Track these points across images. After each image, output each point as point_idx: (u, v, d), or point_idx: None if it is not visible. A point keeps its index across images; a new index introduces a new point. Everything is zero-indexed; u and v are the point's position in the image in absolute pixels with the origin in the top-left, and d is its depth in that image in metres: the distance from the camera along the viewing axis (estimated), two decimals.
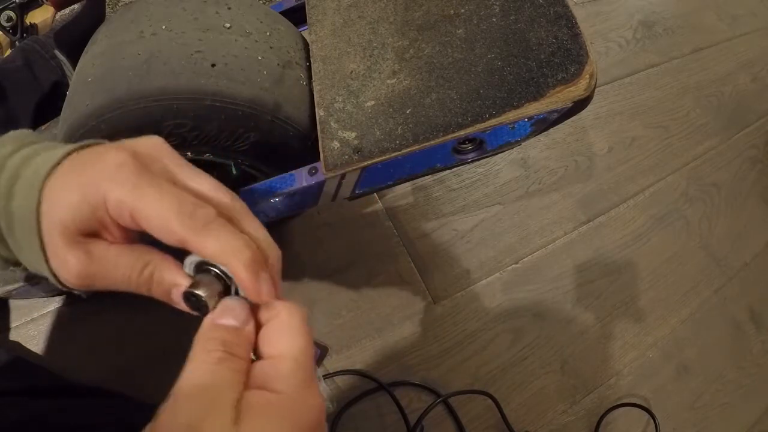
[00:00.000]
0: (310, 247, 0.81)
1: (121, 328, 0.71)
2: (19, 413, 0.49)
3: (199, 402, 0.22)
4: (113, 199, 0.24)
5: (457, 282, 0.82)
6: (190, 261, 0.26)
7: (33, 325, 0.72)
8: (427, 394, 0.74)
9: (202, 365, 0.23)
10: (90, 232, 0.26)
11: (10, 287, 0.64)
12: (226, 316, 0.25)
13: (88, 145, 0.28)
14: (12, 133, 0.30)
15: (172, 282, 0.26)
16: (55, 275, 0.27)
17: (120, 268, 0.26)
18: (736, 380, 0.86)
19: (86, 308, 0.73)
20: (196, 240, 0.24)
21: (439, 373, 0.76)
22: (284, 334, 0.25)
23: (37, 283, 0.64)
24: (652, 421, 0.78)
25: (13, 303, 0.74)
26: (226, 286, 0.25)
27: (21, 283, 0.64)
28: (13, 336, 0.72)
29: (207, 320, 0.25)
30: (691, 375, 0.84)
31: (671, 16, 1.24)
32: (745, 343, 0.89)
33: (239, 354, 0.24)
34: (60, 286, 0.27)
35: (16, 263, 0.30)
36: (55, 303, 0.74)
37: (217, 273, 0.25)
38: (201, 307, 0.25)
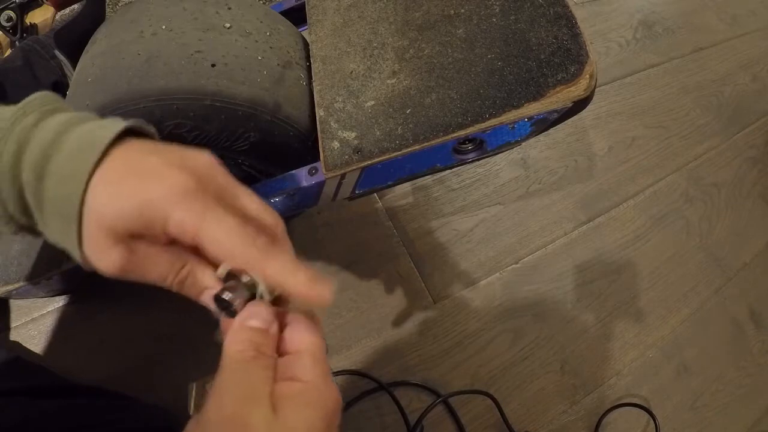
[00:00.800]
0: (310, 247, 0.81)
1: (122, 328, 0.71)
2: (19, 413, 0.49)
3: (239, 395, 0.24)
4: (178, 221, 0.26)
5: (457, 282, 0.82)
6: (224, 268, 0.28)
7: (33, 325, 0.72)
8: (427, 394, 0.74)
9: (237, 364, 0.26)
10: (136, 236, 0.27)
11: (10, 287, 0.64)
12: (253, 318, 0.27)
13: (131, 131, 0.29)
14: (33, 99, 0.31)
15: (206, 284, 0.29)
16: (85, 259, 0.28)
17: (159, 265, 0.28)
18: (736, 380, 0.86)
19: (86, 308, 0.73)
20: (260, 265, 0.27)
21: (439, 373, 0.76)
22: (303, 333, 0.28)
23: (37, 283, 0.64)
24: (652, 421, 0.78)
25: (13, 303, 0.74)
26: (252, 294, 0.28)
27: (21, 283, 0.64)
28: (13, 336, 0.72)
29: (236, 322, 0.27)
30: (691, 375, 0.84)
31: (671, 16, 1.24)
32: (745, 343, 0.89)
33: (267, 352, 0.27)
34: (85, 267, 0.28)
35: (31, 231, 0.30)
36: (55, 303, 0.74)
37: (245, 282, 0.28)
38: (229, 310, 0.27)
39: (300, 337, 0.28)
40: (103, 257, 0.27)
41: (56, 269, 0.63)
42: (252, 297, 0.28)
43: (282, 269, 0.27)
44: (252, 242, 0.27)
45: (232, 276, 0.28)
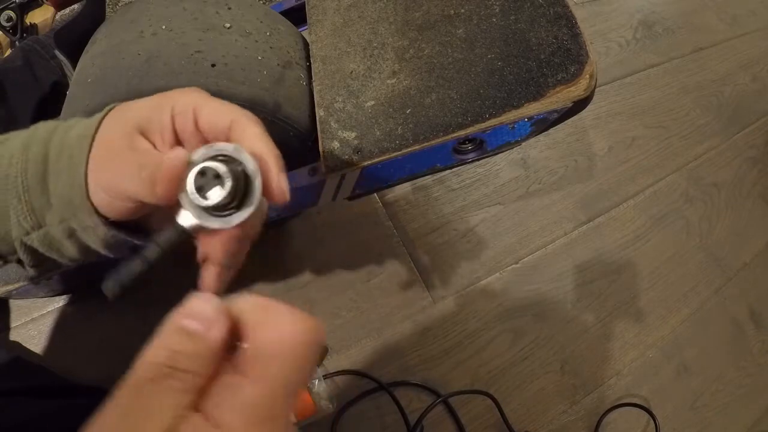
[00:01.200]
0: (310, 247, 0.81)
1: (122, 328, 0.71)
2: (19, 413, 0.49)
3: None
4: (182, 101, 0.28)
5: (457, 282, 0.82)
6: (201, 151, 0.25)
7: (33, 325, 0.72)
8: (427, 394, 0.74)
9: (132, 382, 0.19)
10: (144, 132, 0.28)
11: (10, 287, 0.64)
12: (188, 317, 0.20)
13: None
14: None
15: (184, 159, 0.25)
16: (87, 191, 0.28)
17: (147, 154, 0.27)
18: (736, 380, 0.86)
19: (86, 308, 0.73)
20: (246, 120, 0.27)
21: (439, 373, 0.76)
22: (272, 352, 0.20)
23: (37, 283, 0.64)
24: (652, 421, 0.78)
25: (13, 303, 0.74)
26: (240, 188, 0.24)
27: (21, 283, 0.64)
28: (13, 336, 0.72)
29: (169, 320, 0.21)
30: (691, 375, 0.84)
31: (671, 16, 1.24)
32: (745, 343, 0.89)
33: (187, 367, 0.19)
34: (87, 208, 0.29)
35: (36, 225, 0.30)
36: (55, 303, 0.74)
37: (225, 157, 0.24)
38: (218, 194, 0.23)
39: (265, 356, 0.20)
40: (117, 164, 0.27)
41: (56, 269, 0.63)
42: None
43: (264, 134, 0.27)
44: (244, 113, 0.28)
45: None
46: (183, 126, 0.28)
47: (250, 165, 0.25)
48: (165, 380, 0.19)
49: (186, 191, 0.24)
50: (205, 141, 0.28)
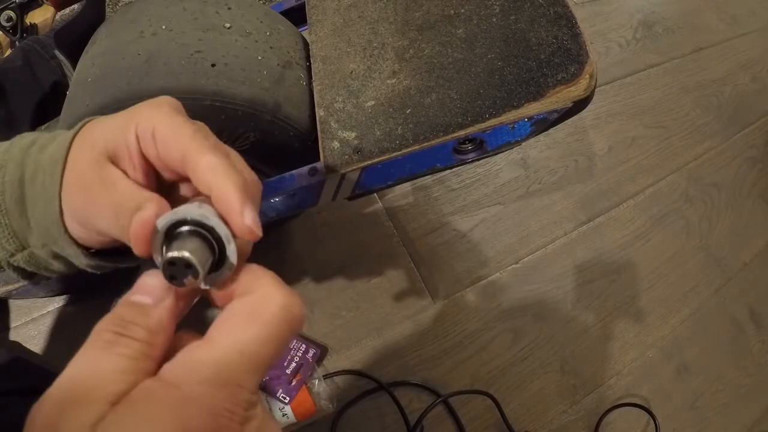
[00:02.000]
0: (310, 247, 0.81)
1: None
2: (19, 412, 0.49)
3: (64, 398, 0.18)
4: (143, 123, 0.24)
5: (457, 282, 0.82)
6: (165, 219, 0.22)
7: (33, 325, 0.72)
8: (427, 394, 0.74)
9: (84, 352, 0.20)
10: (113, 157, 0.26)
11: (10, 287, 0.64)
12: (137, 292, 0.21)
13: None
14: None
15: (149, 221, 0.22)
16: (63, 223, 0.27)
17: (119, 193, 0.25)
18: (736, 380, 0.86)
19: (86, 308, 0.73)
20: (198, 151, 0.23)
21: (439, 373, 0.76)
22: (239, 316, 0.20)
23: (37, 283, 0.64)
24: (652, 421, 0.78)
25: (13, 303, 0.74)
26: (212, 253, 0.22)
27: (21, 283, 0.64)
28: (13, 336, 0.72)
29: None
30: (691, 375, 0.84)
31: (671, 16, 1.24)
32: (745, 343, 0.89)
33: (137, 336, 0.20)
34: (66, 240, 0.27)
35: (19, 248, 0.30)
36: (55, 303, 0.74)
37: (200, 232, 0.22)
38: (190, 273, 0.21)
39: (230, 320, 0.20)
40: (75, 192, 0.26)
41: (54, 276, 0.63)
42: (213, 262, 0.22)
43: (220, 164, 0.23)
44: (204, 137, 0.24)
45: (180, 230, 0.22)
46: (147, 150, 0.25)
47: (222, 231, 0.22)
48: (114, 347, 0.19)
49: (159, 254, 0.22)
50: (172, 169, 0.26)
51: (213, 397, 0.18)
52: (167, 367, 0.19)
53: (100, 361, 0.19)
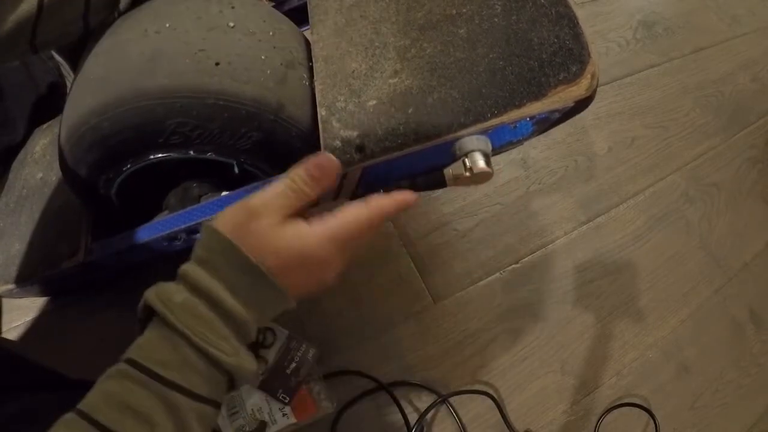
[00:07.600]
0: None
1: (122, 328, 0.71)
2: (19, 406, 0.49)
3: (262, 197, 0.34)
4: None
5: (457, 282, 0.82)
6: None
7: (33, 325, 0.72)
8: (427, 394, 0.74)
9: (278, 186, 0.36)
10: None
11: (10, 286, 0.64)
12: (314, 167, 0.37)
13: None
14: None
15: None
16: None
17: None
18: (736, 380, 0.86)
19: (86, 308, 0.73)
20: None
21: (439, 373, 0.76)
22: (361, 204, 0.36)
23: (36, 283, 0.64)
24: (652, 421, 0.78)
25: (13, 303, 0.74)
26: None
27: (19, 283, 0.64)
28: (13, 336, 0.72)
29: (304, 163, 0.38)
30: (691, 375, 0.84)
31: (671, 16, 1.24)
32: (745, 343, 0.89)
33: (306, 191, 0.36)
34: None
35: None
36: (55, 303, 0.74)
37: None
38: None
39: (358, 203, 0.36)
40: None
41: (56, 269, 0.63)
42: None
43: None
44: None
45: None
46: None
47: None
48: (293, 188, 0.36)
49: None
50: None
51: (328, 245, 0.35)
52: (317, 215, 0.36)
53: (284, 191, 0.36)
